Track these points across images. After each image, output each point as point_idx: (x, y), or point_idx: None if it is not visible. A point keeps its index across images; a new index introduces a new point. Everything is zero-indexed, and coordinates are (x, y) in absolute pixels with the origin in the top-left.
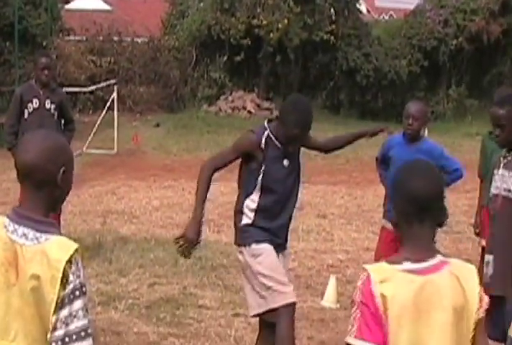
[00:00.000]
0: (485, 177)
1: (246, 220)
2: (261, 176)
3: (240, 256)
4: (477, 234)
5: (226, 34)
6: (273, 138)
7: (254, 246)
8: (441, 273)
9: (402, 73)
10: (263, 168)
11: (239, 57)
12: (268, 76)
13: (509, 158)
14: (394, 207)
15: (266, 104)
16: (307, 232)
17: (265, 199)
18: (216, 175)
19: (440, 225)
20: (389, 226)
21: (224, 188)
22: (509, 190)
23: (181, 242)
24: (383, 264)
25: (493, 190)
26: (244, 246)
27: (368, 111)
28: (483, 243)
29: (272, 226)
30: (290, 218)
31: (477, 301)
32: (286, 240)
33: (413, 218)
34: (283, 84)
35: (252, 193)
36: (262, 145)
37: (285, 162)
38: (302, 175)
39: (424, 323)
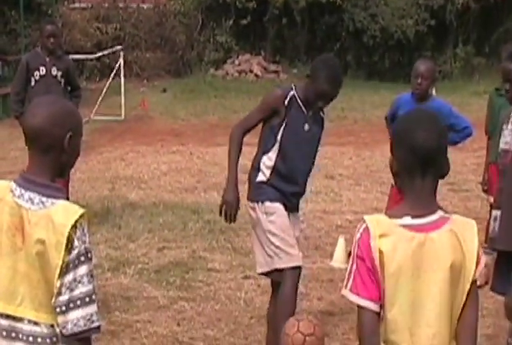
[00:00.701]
0: (493, 133)
1: (261, 177)
2: (280, 134)
3: (252, 212)
4: (485, 191)
5: None
6: (298, 99)
7: (267, 203)
8: (440, 231)
9: (409, 33)
10: (284, 125)
11: (245, 20)
12: (274, 39)
13: None
14: (395, 157)
15: (273, 67)
16: (315, 193)
17: (282, 159)
18: (223, 138)
19: (442, 177)
20: None
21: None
22: None
23: (224, 209)
24: (382, 217)
25: (503, 146)
26: (257, 202)
27: (375, 72)
28: (491, 200)
29: (287, 189)
30: (304, 185)
31: (474, 261)
32: (298, 204)
33: (414, 171)
34: (290, 47)
35: (269, 150)
36: (287, 102)
37: (306, 127)
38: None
39: (422, 281)
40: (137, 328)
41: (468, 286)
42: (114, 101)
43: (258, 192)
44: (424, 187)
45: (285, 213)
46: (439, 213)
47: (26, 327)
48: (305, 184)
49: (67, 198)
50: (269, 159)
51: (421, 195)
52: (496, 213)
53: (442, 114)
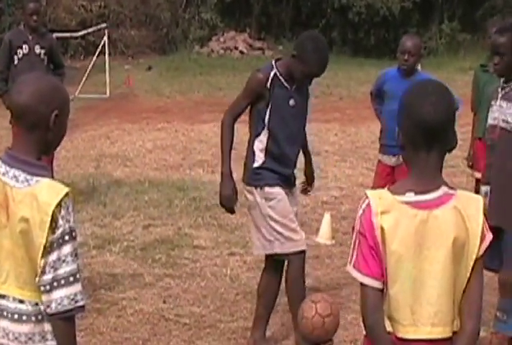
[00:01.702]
0: (478, 109)
1: (257, 161)
2: (268, 115)
3: (249, 196)
4: (471, 167)
5: None
6: (280, 77)
7: (267, 189)
8: (444, 208)
9: (394, 9)
10: (269, 107)
11: None
12: (259, 16)
13: (507, 89)
14: (401, 130)
15: (258, 44)
16: (300, 170)
17: (273, 141)
18: (209, 115)
19: (450, 150)
20: (385, 160)
21: (218, 129)
22: (507, 122)
23: (222, 202)
24: (385, 193)
25: (491, 121)
26: (256, 187)
27: (361, 49)
28: (477, 175)
29: (283, 171)
30: (296, 158)
31: (478, 238)
32: (294, 177)
33: (420, 145)
34: (275, 23)
35: (260, 134)
36: (269, 84)
37: (291, 102)
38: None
39: (424, 259)
40: (123, 305)
41: (472, 263)
42: (99, 79)
43: (256, 177)
44: (429, 162)
45: (285, 197)
46: (443, 189)
47: (11, 305)
48: (296, 161)
49: (52, 177)
50: (260, 143)
51: (426, 170)
52: (486, 188)
53: None
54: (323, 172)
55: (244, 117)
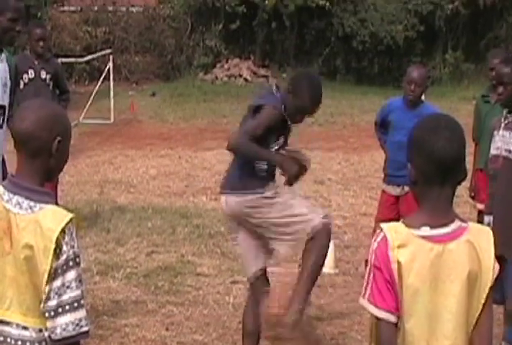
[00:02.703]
0: (479, 140)
1: (261, 173)
2: (276, 147)
3: (262, 201)
4: (473, 198)
5: (221, 2)
6: (285, 113)
7: (267, 193)
8: (458, 241)
9: (398, 38)
10: (282, 140)
11: (235, 24)
12: (264, 43)
13: (510, 119)
14: (413, 165)
15: (262, 71)
16: (304, 198)
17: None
18: (212, 142)
19: (459, 183)
20: (389, 190)
21: (221, 156)
22: (510, 151)
23: (288, 178)
24: (400, 226)
25: (493, 151)
26: (264, 187)
27: (365, 77)
28: (479, 206)
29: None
30: None
31: (491, 271)
32: None
33: (433, 180)
34: (279, 51)
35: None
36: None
37: (281, 139)
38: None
39: (439, 292)
40: (126, 332)
41: (484, 296)
42: (103, 105)
43: (262, 182)
44: (443, 196)
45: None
46: (457, 223)
47: (14, 331)
48: None
49: (56, 202)
50: (263, 164)
51: (440, 204)
52: (489, 218)
53: None
54: (327, 200)
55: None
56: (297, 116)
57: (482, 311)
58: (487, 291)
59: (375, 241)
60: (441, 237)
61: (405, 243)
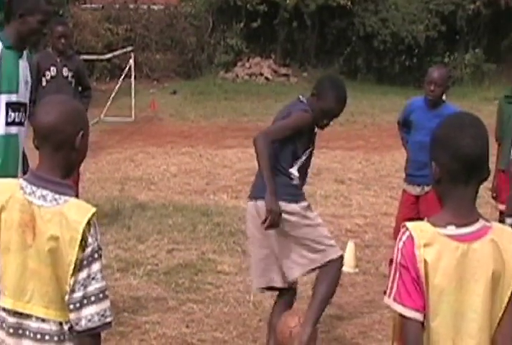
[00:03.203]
0: (502, 140)
1: (294, 180)
2: (306, 157)
3: (288, 216)
4: (494, 198)
5: (242, 1)
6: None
7: (304, 202)
8: (483, 240)
9: (419, 38)
10: (310, 150)
11: (256, 23)
12: (285, 42)
13: None
14: (437, 163)
15: (283, 70)
16: (325, 197)
17: (301, 170)
18: (233, 140)
19: (483, 181)
20: (409, 189)
21: (242, 154)
22: None
23: (269, 219)
24: (426, 226)
25: None
26: (297, 202)
27: (385, 76)
28: (500, 207)
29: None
30: None
31: None
32: None
33: (459, 178)
34: (300, 50)
35: (293, 166)
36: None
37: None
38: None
39: (465, 292)
40: (146, 329)
41: (507, 296)
42: (124, 102)
43: (296, 193)
44: (467, 195)
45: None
46: (481, 222)
47: (34, 324)
48: None
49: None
50: (295, 171)
51: (464, 203)
52: (511, 220)
53: None
54: (347, 199)
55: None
56: (324, 120)
57: (504, 311)
58: (510, 291)
59: (400, 240)
60: (466, 236)
61: (431, 242)
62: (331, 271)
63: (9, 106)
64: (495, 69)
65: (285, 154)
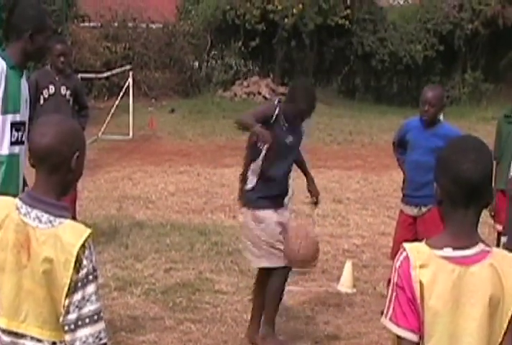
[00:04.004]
0: (500, 159)
1: (249, 184)
2: (267, 146)
3: (241, 217)
4: (493, 217)
5: (241, 19)
6: (282, 117)
7: (257, 212)
8: (481, 265)
9: (417, 58)
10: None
11: (254, 42)
12: (283, 61)
13: None
14: (439, 185)
15: (281, 89)
16: (323, 217)
17: (268, 166)
18: (231, 159)
19: (485, 206)
20: (407, 210)
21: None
22: None
23: (261, 140)
24: (423, 247)
25: (511, 172)
26: (248, 208)
27: (383, 96)
28: (498, 227)
29: (272, 192)
30: (287, 182)
31: None
32: (285, 198)
33: (458, 201)
34: (298, 69)
35: (256, 159)
36: (273, 120)
37: (288, 140)
38: (315, 159)
39: (460, 314)
40: None
41: (507, 320)
42: (122, 120)
43: (248, 200)
44: (467, 218)
45: (273, 220)
46: (480, 246)
47: (29, 343)
48: (288, 184)
49: (74, 217)
50: (256, 166)
51: (464, 227)
52: (504, 239)
53: (449, 139)
54: (345, 219)
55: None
56: (296, 121)
57: (503, 337)
58: (508, 317)
59: (397, 260)
60: (463, 259)
61: (427, 263)
62: (270, 287)
63: (13, 125)
64: (493, 89)
65: (253, 149)
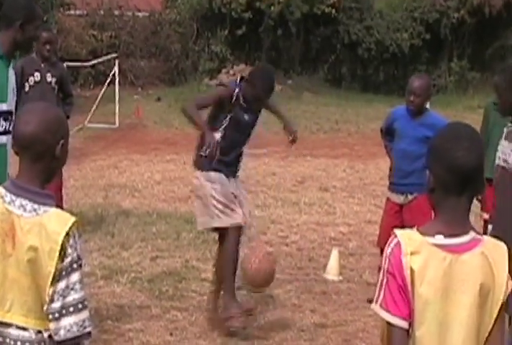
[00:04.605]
0: (487, 148)
1: (203, 153)
2: (226, 122)
3: (195, 180)
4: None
5: (227, 8)
6: (241, 96)
7: (211, 173)
8: (472, 253)
9: (404, 46)
10: (229, 117)
11: (241, 30)
12: (269, 50)
13: (510, 128)
14: (432, 173)
15: None
16: (309, 205)
17: (224, 139)
18: None
19: (477, 194)
20: (393, 198)
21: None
22: (506, 161)
23: (206, 148)
24: (415, 234)
25: (496, 160)
26: (202, 171)
27: (370, 85)
28: (485, 216)
29: (225, 159)
30: (241, 154)
31: (505, 285)
32: (238, 170)
33: (451, 189)
34: (284, 58)
35: (215, 130)
36: (233, 100)
37: (246, 117)
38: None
39: (451, 303)
40: (130, 337)
41: (496, 310)
42: (108, 109)
43: (203, 164)
44: (459, 206)
45: (226, 181)
46: (472, 234)
47: (14, 332)
48: (241, 154)
49: (60, 206)
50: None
51: (456, 214)
52: (491, 227)
53: (437, 129)
54: (331, 207)
55: None
56: (254, 103)
57: (493, 326)
58: (499, 306)
59: (388, 246)
60: (454, 247)
61: (419, 250)
62: (224, 247)
63: (1, 115)
64: (480, 77)
65: (214, 120)
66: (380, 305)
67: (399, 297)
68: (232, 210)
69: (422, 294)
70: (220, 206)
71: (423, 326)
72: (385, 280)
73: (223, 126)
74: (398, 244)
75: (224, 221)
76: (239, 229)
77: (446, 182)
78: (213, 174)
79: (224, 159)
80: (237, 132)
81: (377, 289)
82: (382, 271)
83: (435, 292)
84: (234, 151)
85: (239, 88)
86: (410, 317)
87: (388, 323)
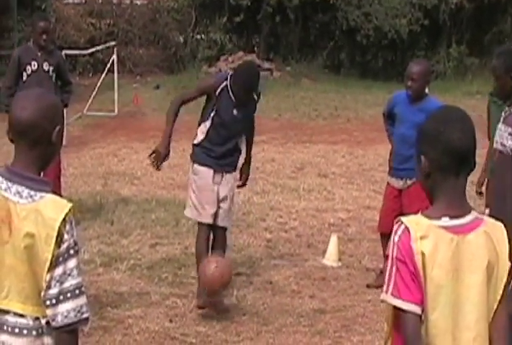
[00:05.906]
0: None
1: (196, 140)
2: (213, 113)
3: (190, 166)
4: (478, 193)
5: None
6: (229, 89)
7: (195, 165)
8: (476, 232)
9: (402, 32)
10: (215, 108)
11: (239, 17)
12: (268, 37)
13: (507, 113)
14: (426, 157)
15: (266, 65)
16: (308, 191)
17: (212, 131)
18: None
19: (470, 173)
20: (393, 182)
21: None
22: (503, 145)
23: (153, 156)
24: (421, 218)
25: (494, 144)
26: (191, 161)
27: (369, 71)
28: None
29: (213, 154)
30: (234, 148)
31: (507, 262)
32: (232, 165)
33: (449, 171)
34: (283, 44)
35: (204, 121)
36: (218, 92)
37: (235, 112)
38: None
39: (461, 283)
40: (129, 323)
41: (501, 288)
42: (107, 97)
43: (193, 153)
44: (458, 186)
45: (209, 176)
46: (474, 214)
47: (11, 319)
48: (233, 155)
49: (59, 194)
50: (204, 127)
51: (456, 195)
52: (486, 211)
53: None
54: (330, 193)
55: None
56: (239, 97)
57: (498, 304)
58: (503, 283)
59: (395, 234)
60: (460, 228)
61: (427, 234)
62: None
63: None
64: (478, 63)
65: (205, 111)
66: (392, 294)
67: (411, 283)
68: (203, 208)
69: (434, 277)
70: (194, 199)
71: (436, 310)
72: (394, 268)
73: (209, 119)
74: (406, 230)
75: (193, 214)
76: (208, 226)
77: (444, 164)
78: (198, 167)
79: (211, 154)
80: (222, 127)
81: (386, 279)
82: (390, 259)
83: (446, 274)
84: (222, 145)
85: (229, 81)
86: (422, 302)
87: (401, 310)
